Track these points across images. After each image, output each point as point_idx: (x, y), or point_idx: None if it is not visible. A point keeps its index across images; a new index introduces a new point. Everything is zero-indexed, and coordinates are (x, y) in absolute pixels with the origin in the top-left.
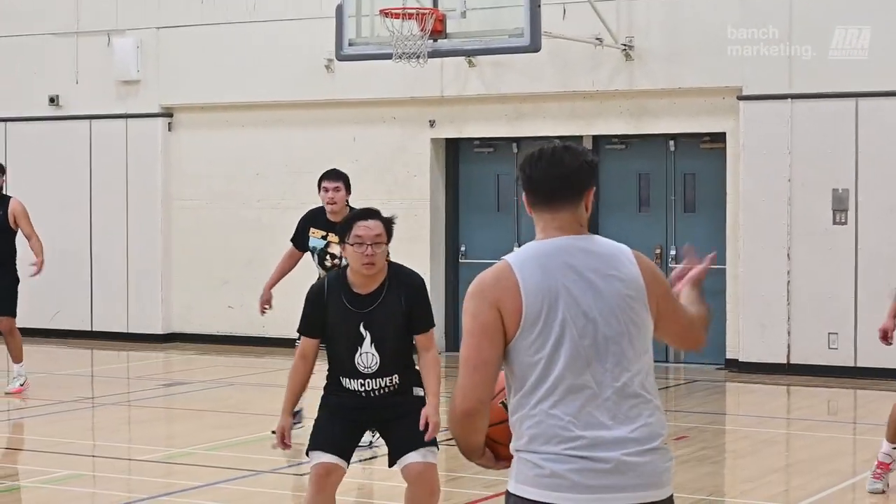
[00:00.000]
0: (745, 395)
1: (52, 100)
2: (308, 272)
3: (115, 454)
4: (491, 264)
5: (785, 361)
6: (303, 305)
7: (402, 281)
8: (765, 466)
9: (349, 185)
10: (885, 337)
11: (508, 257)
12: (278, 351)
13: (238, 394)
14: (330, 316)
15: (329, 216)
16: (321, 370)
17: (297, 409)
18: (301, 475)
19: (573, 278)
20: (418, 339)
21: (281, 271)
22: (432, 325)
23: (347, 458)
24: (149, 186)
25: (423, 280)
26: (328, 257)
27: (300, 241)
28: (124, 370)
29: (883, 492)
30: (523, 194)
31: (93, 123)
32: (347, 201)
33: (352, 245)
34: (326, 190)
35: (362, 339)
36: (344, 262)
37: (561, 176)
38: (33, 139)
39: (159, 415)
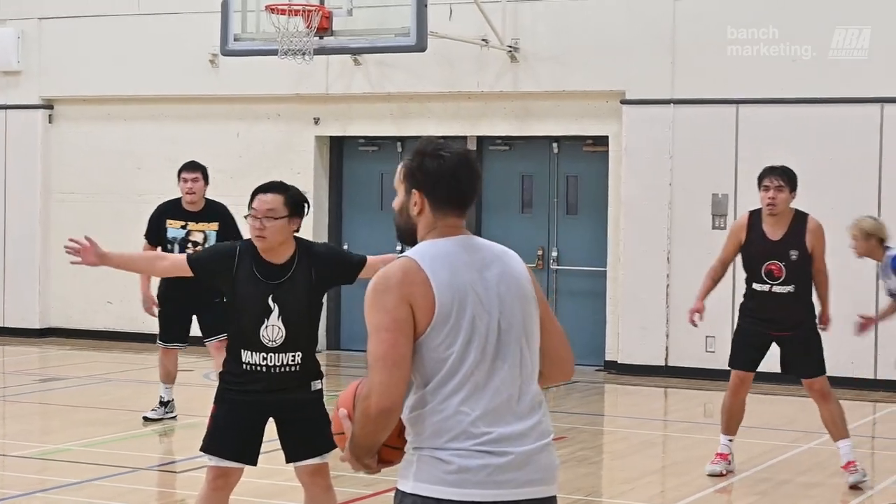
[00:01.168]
0: (624, 396)
1: None
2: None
3: None
4: None
5: (663, 364)
6: (215, 248)
7: (312, 252)
8: (642, 468)
9: (207, 176)
10: (692, 319)
11: (412, 254)
12: (156, 347)
13: (115, 390)
14: (238, 284)
15: (186, 206)
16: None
17: (167, 399)
18: (177, 472)
19: (476, 277)
20: (366, 272)
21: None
22: (364, 258)
23: (249, 458)
24: (28, 179)
25: (329, 244)
26: (189, 245)
27: (154, 235)
28: None
29: (722, 474)
30: (432, 196)
31: None
32: (205, 192)
33: (246, 217)
34: (185, 181)
35: (270, 311)
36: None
37: (477, 182)
38: None
39: (35, 410)
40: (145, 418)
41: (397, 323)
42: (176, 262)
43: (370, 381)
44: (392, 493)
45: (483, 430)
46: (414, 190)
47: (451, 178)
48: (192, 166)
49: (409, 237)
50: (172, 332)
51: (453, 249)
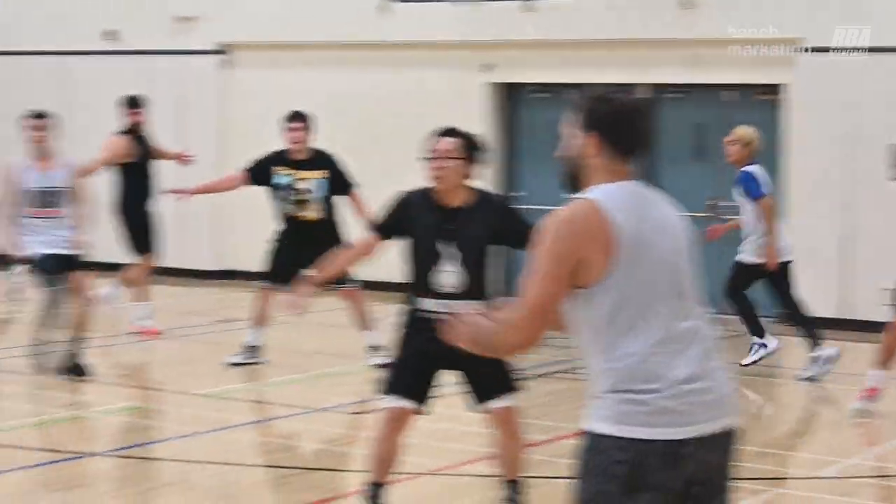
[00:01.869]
0: None
1: (109, 34)
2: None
3: None
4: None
5: None
6: (388, 206)
7: (491, 203)
8: None
9: (310, 126)
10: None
11: (590, 196)
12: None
13: (289, 333)
14: (416, 230)
15: (293, 155)
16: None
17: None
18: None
19: (653, 218)
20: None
21: (215, 187)
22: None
23: (423, 401)
24: (203, 120)
25: (508, 200)
26: (294, 192)
27: (257, 173)
28: None
29: None
30: (607, 139)
31: (149, 59)
32: (308, 141)
33: (427, 159)
34: (291, 130)
35: (440, 255)
36: (311, 195)
37: (651, 131)
38: (86, 73)
39: (211, 351)
40: (232, 364)
41: (563, 271)
42: (368, 242)
43: (522, 320)
44: (566, 441)
45: (676, 371)
46: (589, 132)
47: (629, 123)
48: (296, 116)
49: (576, 182)
50: (282, 273)
51: (627, 193)
